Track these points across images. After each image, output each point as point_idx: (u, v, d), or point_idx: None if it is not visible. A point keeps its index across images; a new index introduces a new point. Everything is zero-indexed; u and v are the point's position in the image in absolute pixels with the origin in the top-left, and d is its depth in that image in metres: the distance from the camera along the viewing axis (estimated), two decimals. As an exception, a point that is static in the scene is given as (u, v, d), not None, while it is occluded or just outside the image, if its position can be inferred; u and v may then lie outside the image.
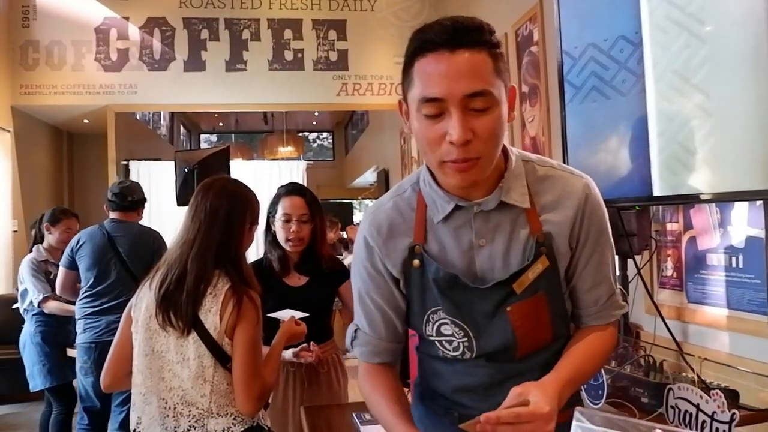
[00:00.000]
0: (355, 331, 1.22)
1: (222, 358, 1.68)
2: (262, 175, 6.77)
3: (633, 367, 1.96)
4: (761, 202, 2.21)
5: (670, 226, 3.13)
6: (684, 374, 1.87)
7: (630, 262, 3.02)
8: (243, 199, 1.82)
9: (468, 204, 1.09)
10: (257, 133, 13.78)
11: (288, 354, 2.21)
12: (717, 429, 1.06)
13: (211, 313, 1.68)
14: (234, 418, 1.70)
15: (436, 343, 1.15)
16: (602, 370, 1.50)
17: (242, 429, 1.70)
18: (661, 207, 3.16)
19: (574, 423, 0.89)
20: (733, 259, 2.70)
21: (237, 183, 1.88)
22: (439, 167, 1.04)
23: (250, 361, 1.68)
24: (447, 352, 1.15)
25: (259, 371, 1.70)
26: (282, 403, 2.32)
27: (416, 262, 1.12)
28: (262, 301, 1.75)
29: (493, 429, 0.91)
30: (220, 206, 1.76)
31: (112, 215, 3.41)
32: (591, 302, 1.16)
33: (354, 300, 1.24)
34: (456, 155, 0.99)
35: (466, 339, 1.11)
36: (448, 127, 0.98)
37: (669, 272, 3.09)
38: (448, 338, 1.13)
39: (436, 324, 1.13)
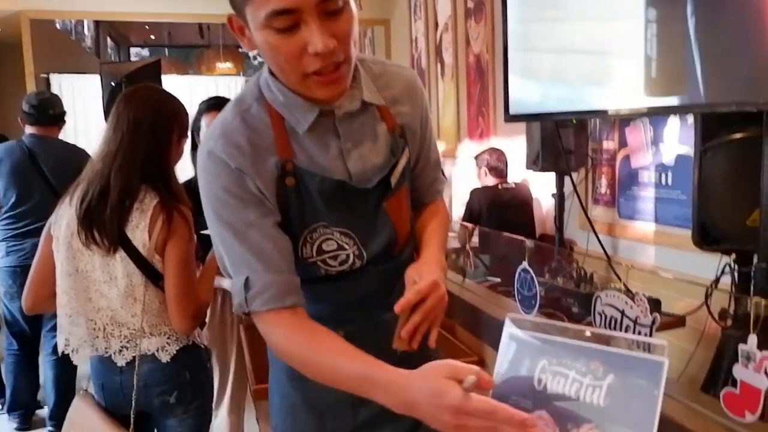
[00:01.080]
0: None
1: (153, 276, 1.63)
2: (198, 91, 6.48)
3: (565, 279, 2.02)
4: (692, 120, 2.25)
5: (606, 145, 3.19)
6: (612, 285, 1.94)
7: (567, 179, 3.09)
8: (169, 109, 1.72)
9: (331, 108, 1.05)
10: (193, 47, 13.09)
11: (226, 283, 2.18)
12: (639, 332, 1.08)
13: (139, 230, 1.61)
14: (168, 337, 1.67)
15: (318, 263, 1.09)
16: (536, 281, 1.53)
17: (177, 348, 1.67)
18: (598, 125, 3.21)
19: (504, 330, 0.89)
20: (663, 176, 2.79)
21: (162, 92, 1.76)
22: (301, 82, 0.98)
23: (184, 278, 1.63)
24: (331, 268, 1.09)
25: (193, 289, 1.66)
26: (220, 321, 2.30)
27: (290, 180, 1.04)
28: (194, 220, 1.68)
29: (411, 317, 0.95)
30: (144, 116, 1.65)
31: (30, 130, 3.16)
32: (429, 182, 1.25)
33: (222, 247, 1.02)
34: (321, 65, 0.94)
35: (355, 246, 1.09)
36: (308, 38, 0.92)
37: (603, 189, 3.18)
38: (332, 254, 1.08)
39: (317, 243, 1.08)
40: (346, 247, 1.09)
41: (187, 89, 6.38)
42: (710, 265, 1.85)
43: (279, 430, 1.22)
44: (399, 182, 1.13)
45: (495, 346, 1.72)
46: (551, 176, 3.10)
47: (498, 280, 2.37)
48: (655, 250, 2.83)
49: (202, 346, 1.78)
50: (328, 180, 1.06)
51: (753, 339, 0.91)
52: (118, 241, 1.60)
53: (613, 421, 0.75)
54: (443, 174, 1.32)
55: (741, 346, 0.93)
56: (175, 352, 1.67)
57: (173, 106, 1.73)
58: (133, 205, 1.62)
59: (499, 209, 3.47)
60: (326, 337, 0.97)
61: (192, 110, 1.79)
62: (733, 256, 1.91)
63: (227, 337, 2.31)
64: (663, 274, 1.93)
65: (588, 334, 0.84)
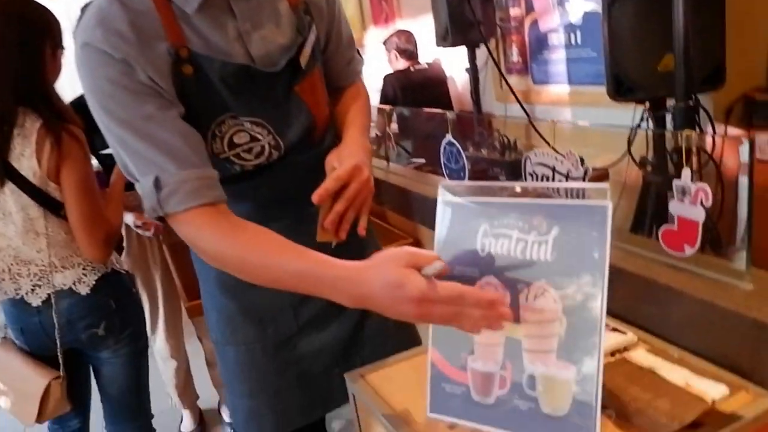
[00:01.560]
0: (155, 181, 0.87)
1: (51, 205, 1.47)
2: None
3: (489, 150, 2.00)
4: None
5: (513, 12, 3.11)
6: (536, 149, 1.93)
7: (479, 52, 3.02)
8: (37, 19, 1.50)
9: None
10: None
11: (129, 220, 2.03)
12: (564, 189, 1.05)
13: (25, 157, 1.43)
14: (83, 268, 1.54)
15: (231, 158, 0.99)
16: (462, 153, 1.49)
17: (95, 278, 1.56)
18: (504, -8, 3.12)
19: (439, 199, 0.84)
20: (572, 36, 2.76)
21: (26, 1, 1.53)
22: None
23: (87, 203, 1.49)
24: (247, 163, 1.00)
25: (99, 213, 1.52)
26: (138, 243, 2.17)
27: (187, 68, 0.91)
28: (89, 140, 1.52)
29: (334, 206, 0.89)
30: (9, 31, 1.43)
31: None
32: (345, 62, 1.17)
33: (122, 149, 0.89)
34: None
35: (270, 136, 1.00)
36: None
37: (515, 58, 3.13)
38: (245, 146, 0.99)
39: (227, 136, 0.98)
40: (260, 137, 1.00)
41: None
42: (624, 119, 1.87)
43: (219, 343, 1.16)
44: (310, 63, 1.03)
45: (429, 225, 1.70)
46: (462, 51, 3.02)
47: (422, 160, 2.33)
48: (571, 110, 2.85)
49: (124, 272, 1.67)
50: (230, 65, 0.94)
51: (687, 173, 0.90)
52: (3, 173, 1.43)
53: (563, 274, 0.73)
54: (359, 54, 1.22)
55: (675, 182, 0.92)
56: (94, 282, 1.55)
57: (40, 15, 1.51)
58: (13, 131, 1.43)
59: (414, 92, 3.39)
60: (261, 235, 0.86)
61: (58, 13, 1.56)
62: (647, 104, 1.95)
63: (149, 259, 2.19)
64: (583, 123, 1.94)
65: (518, 190, 0.80)
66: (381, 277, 0.73)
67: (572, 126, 2.37)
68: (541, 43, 2.92)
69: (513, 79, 3.15)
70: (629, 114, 1.91)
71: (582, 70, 2.71)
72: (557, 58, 2.84)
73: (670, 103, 1.75)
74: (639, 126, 1.79)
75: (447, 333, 0.81)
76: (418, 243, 1.73)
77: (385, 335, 1.17)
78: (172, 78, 0.91)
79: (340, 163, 0.96)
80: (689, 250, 0.92)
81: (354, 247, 0.96)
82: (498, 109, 3.19)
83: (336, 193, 0.92)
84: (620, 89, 1.90)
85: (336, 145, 1.07)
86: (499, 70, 2.84)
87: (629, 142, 1.67)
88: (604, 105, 1.92)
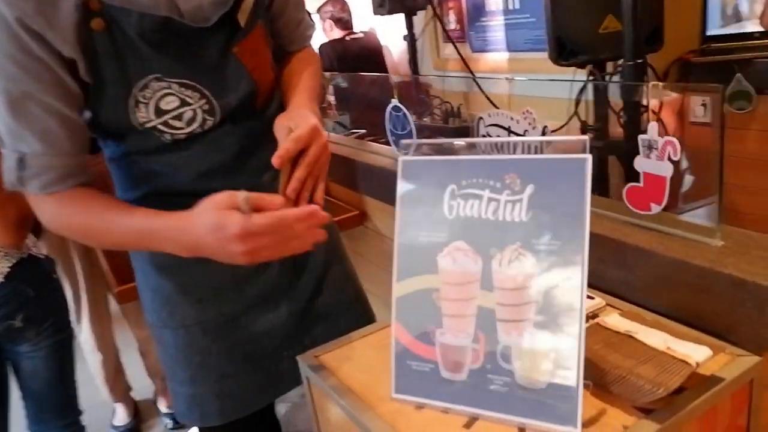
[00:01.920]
0: (20, 158, 0.81)
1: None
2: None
3: (432, 118, 1.94)
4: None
5: (449, -22, 3.05)
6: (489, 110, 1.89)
7: (415, 19, 2.94)
8: None
9: None
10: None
11: None
12: (529, 146, 0.99)
13: None
14: (-5, 254, 1.39)
15: (159, 126, 0.88)
16: (409, 117, 1.41)
17: (10, 264, 1.40)
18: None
19: (399, 162, 0.77)
20: (510, 1, 2.72)
21: None
22: None
23: (-6, 183, 1.33)
24: (178, 131, 0.90)
25: (8, 193, 1.36)
26: (59, 227, 1.99)
27: (98, 22, 0.80)
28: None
29: (295, 172, 0.80)
30: None
31: None
32: (294, 25, 1.08)
33: None
34: None
35: (204, 101, 0.89)
36: None
37: (452, 26, 3.07)
38: (175, 112, 0.88)
39: (153, 101, 0.86)
40: (191, 101, 0.89)
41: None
42: (564, 85, 1.85)
43: (156, 326, 1.05)
44: (251, 22, 0.92)
45: (376, 195, 1.62)
46: (397, 20, 2.93)
47: (363, 130, 2.24)
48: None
49: (42, 257, 1.51)
50: (149, 17, 0.82)
51: (653, 126, 0.86)
52: None
53: (539, 236, 0.66)
54: (310, 17, 1.12)
55: (641, 137, 0.87)
56: (8, 269, 1.40)
57: None
58: None
59: (350, 61, 3.28)
60: (100, 199, 0.86)
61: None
62: (589, 67, 1.94)
63: (69, 242, 2.01)
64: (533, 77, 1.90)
65: (486, 146, 0.73)
66: (203, 223, 0.73)
67: (518, 86, 2.35)
68: (478, 9, 2.87)
69: (451, 48, 3.09)
70: (568, 78, 1.90)
71: (520, 37, 2.67)
72: (495, 25, 2.79)
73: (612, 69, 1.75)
74: (585, 86, 1.77)
75: (412, 306, 0.74)
76: (364, 215, 1.65)
77: (337, 313, 1.09)
78: (78, 38, 0.79)
79: (294, 124, 0.86)
80: (656, 208, 0.88)
81: None
82: (436, 79, 3.13)
83: (294, 158, 0.82)
84: (563, 52, 1.88)
85: (282, 111, 0.97)
86: (446, 32, 2.76)
87: (577, 102, 1.65)
88: (544, 71, 1.89)
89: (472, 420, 0.70)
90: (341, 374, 0.83)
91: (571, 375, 0.64)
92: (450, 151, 0.76)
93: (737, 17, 2.26)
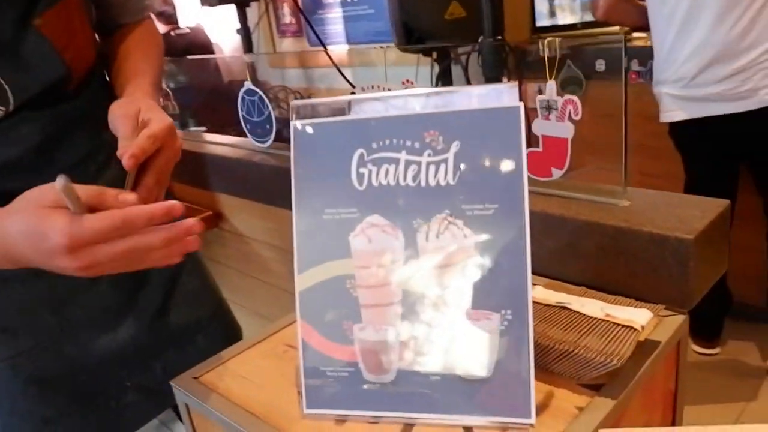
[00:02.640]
0: None
1: None
2: None
3: (282, 109, 1.81)
4: None
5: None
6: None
7: (249, 11, 2.77)
8: None
9: None
10: None
11: None
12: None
13: None
14: None
15: None
16: (266, 101, 1.27)
17: None
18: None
19: (291, 126, 0.63)
20: (347, -6, 2.67)
21: None
22: None
23: None
24: None
25: None
26: None
27: None
28: None
29: (144, 179, 0.61)
30: None
31: None
32: None
33: None
34: None
35: None
36: None
37: (287, 19, 2.94)
38: None
39: None
40: None
41: None
42: (407, 74, 1.84)
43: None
44: None
45: (232, 191, 1.44)
46: (227, 14, 2.74)
47: (203, 128, 2.03)
48: (352, 72, 2.76)
49: None
50: None
51: (552, 85, 0.81)
52: None
53: (471, 201, 0.57)
54: None
55: (539, 98, 0.82)
56: None
57: None
58: None
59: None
60: None
61: None
62: (434, 54, 1.95)
63: None
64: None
65: (400, 101, 0.62)
66: (16, 229, 0.53)
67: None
68: (315, 3, 2.77)
69: (287, 43, 2.96)
70: (411, 70, 1.88)
71: (360, 29, 2.62)
72: (334, 17, 2.72)
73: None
74: (443, 69, 1.75)
75: (321, 299, 0.61)
76: (219, 216, 1.46)
77: (194, 331, 0.92)
78: None
79: (146, 118, 0.67)
80: (557, 173, 0.84)
81: None
82: (273, 77, 2.98)
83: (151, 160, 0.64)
84: (410, 39, 1.87)
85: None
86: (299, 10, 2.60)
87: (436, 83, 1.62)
88: (388, 63, 1.86)
89: (408, 427, 0.59)
90: (233, 396, 0.68)
91: (520, 360, 0.55)
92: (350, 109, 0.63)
93: (562, 10, 2.40)
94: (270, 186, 1.26)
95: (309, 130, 0.62)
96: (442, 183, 0.58)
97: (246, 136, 1.34)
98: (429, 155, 0.58)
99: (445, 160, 0.58)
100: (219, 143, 1.46)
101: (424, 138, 0.58)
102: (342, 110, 0.62)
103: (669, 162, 1.77)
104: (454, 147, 0.58)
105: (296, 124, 0.63)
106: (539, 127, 0.83)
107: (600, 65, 1.99)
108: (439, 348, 0.58)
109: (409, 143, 0.59)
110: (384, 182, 0.59)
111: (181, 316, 0.90)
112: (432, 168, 0.58)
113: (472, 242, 0.57)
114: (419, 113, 0.59)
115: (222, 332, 0.96)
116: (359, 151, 0.60)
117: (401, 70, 1.84)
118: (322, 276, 0.61)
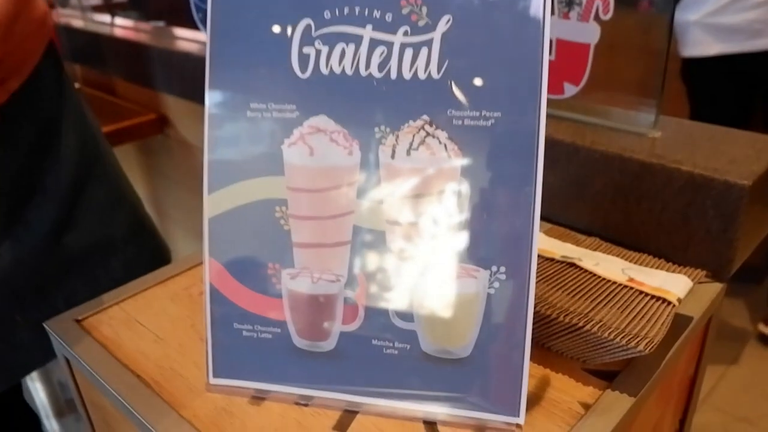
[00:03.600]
0: None
1: None
2: None
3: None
4: None
5: None
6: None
7: None
8: None
9: None
10: None
11: None
12: None
13: None
14: None
15: None
16: None
17: None
18: None
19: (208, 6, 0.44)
20: None
21: None
22: None
23: None
24: None
25: None
26: None
27: None
28: None
29: None
30: None
31: None
32: None
33: None
34: None
35: None
36: None
37: None
38: None
39: None
40: None
41: None
42: None
43: None
44: None
45: (180, 92, 1.22)
46: None
47: (161, 23, 1.78)
48: None
49: None
50: None
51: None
52: None
53: (460, 104, 0.39)
54: None
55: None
56: None
57: None
58: None
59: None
60: None
61: None
62: None
63: None
64: None
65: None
66: None
67: None
68: None
69: None
70: None
71: None
72: None
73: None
74: None
75: (238, 231, 0.44)
76: (164, 120, 1.26)
77: (104, 254, 0.74)
78: None
79: None
80: (571, 89, 0.66)
81: None
82: None
83: None
84: None
85: None
86: None
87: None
88: None
89: (349, 414, 0.43)
90: (121, 351, 0.51)
91: (512, 337, 0.39)
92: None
93: None
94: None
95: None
96: (422, 76, 0.39)
97: (197, 28, 1.12)
98: (405, 33, 0.40)
99: (429, 42, 0.39)
100: (167, 36, 1.24)
101: (400, 7, 0.40)
102: (286, -39, 0.43)
103: (675, 106, 1.59)
104: (444, 24, 0.39)
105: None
106: (554, 27, 0.64)
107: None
108: (399, 311, 0.41)
109: (377, 13, 0.40)
110: (337, 69, 0.41)
111: (86, 235, 0.71)
112: (408, 52, 0.40)
113: (458, 165, 0.39)
114: (396, -32, 0.40)
115: (145, 257, 0.78)
116: (305, 21, 0.41)
117: None
118: (242, 199, 0.43)
